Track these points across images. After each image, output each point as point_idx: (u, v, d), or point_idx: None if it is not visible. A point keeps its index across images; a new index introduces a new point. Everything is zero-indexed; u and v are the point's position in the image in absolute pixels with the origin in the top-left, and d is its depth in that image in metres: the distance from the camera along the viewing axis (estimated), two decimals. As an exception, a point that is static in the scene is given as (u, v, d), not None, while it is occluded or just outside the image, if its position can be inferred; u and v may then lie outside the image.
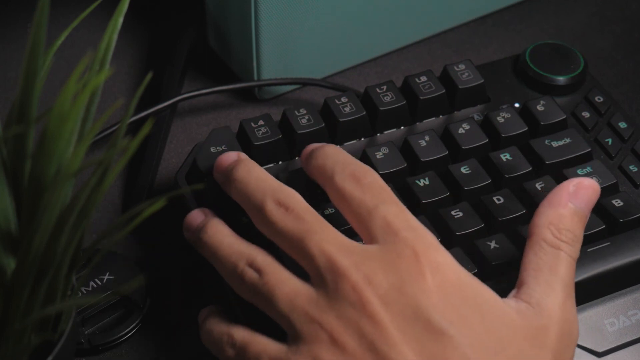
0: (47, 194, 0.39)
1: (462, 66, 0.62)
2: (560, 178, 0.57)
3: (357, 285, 0.45)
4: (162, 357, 0.55)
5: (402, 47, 0.72)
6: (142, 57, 0.72)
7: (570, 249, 0.48)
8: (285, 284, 0.47)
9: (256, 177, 0.51)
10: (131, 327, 0.55)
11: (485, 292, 0.46)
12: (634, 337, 0.53)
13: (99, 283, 0.56)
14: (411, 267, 0.46)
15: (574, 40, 0.73)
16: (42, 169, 0.40)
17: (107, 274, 0.56)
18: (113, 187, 0.63)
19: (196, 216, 0.53)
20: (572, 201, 0.50)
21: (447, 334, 0.44)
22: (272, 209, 0.49)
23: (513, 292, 0.48)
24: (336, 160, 0.50)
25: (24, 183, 0.42)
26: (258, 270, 0.48)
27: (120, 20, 0.44)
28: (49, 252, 0.40)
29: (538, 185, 0.56)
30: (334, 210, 0.54)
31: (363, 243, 0.48)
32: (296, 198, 0.49)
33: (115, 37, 0.44)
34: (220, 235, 0.51)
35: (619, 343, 0.53)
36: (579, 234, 0.49)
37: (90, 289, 0.56)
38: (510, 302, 0.47)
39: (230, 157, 0.54)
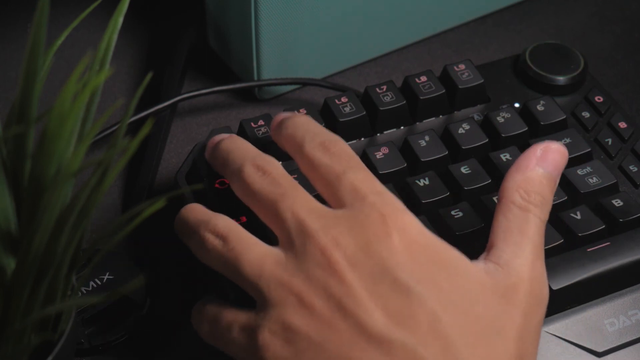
0: (47, 194, 0.39)
1: (462, 66, 0.62)
2: (560, 178, 0.57)
3: (325, 247, 0.46)
4: (162, 357, 0.55)
5: (402, 47, 0.72)
6: (142, 57, 0.72)
7: (539, 212, 0.49)
8: (251, 250, 0.47)
9: (238, 146, 0.52)
10: (131, 327, 0.55)
11: (451, 253, 0.47)
12: (634, 337, 0.53)
13: (99, 283, 0.56)
14: (378, 228, 0.46)
15: (574, 40, 0.73)
16: (42, 169, 0.40)
17: (107, 274, 0.56)
18: (113, 187, 0.63)
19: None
20: (540, 165, 0.50)
21: (413, 291, 0.44)
22: (249, 172, 0.50)
23: (483, 255, 0.48)
24: (306, 130, 0.51)
25: (24, 183, 0.42)
26: (222, 237, 0.48)
27: (120, 20, 0.44)
28: (49, 252, 0.40)
29: (538, 185, 0.56)
30: None
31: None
32: (274, 164, 0.50)
33: (115, 37, 0.44)
34: (189, 210, 0.51)
35: (619, 343, 0.53)
36: (548, 197, 0.50)
37: (90, 289, 0.56)
38: (478, 263, 0.47)
39: (221, 135, 0.55)
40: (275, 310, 0.45)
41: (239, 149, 0.52)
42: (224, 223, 0.49)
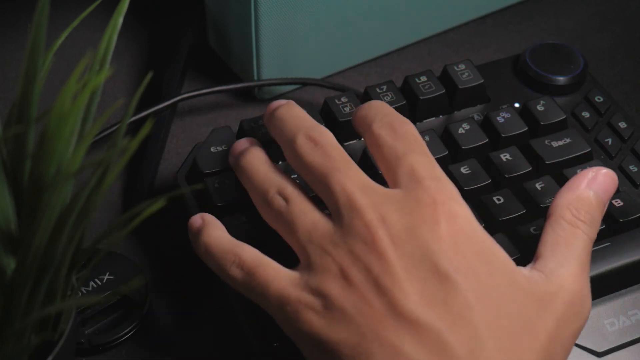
0: (47, 194, 0.39)
1: (462, 66, 0.62)
2: (560, 178, 0.57)
3: (370, 223, 0.47)
4: (162, 357, 0.55)
5: (402, 47, 0.72)
6: (142, 57, 0.72)
7: (588, 229, 0.49)
8: (307, 215, 0.49)
9: (293, 115, 0.53)
10: (131, 327, 0.55)
11: (497, 251, 0.47)
12: (634, 337, 0.53)
13: (99, 283, 0.56)
14: (427, 213, 0.47)
15: (574, 40, 0.73)
16: (42, 169, 0.40)
17: (107, 274, 0.56)
18: (113, 187, 0.63)
19: (242, 143, 0.55)
20: (590, 186, 0.51)
21: (451, 278, 0.45)
22: (302, 143, 0.51)
23: (529, 265, 0.49)
24: (378, 111, 0.52)
25: (24, 183, 0.42)
26: (286, 199, 0.50)
27: (120, 20, 0.44)
28: (49, 252, 0.40)
29: (538, 185, 0.56)
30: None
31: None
32: (327, 136, 0.51)
33: (115, 37, 0.44)
34: (258, 162, 0.53)
35: (619, 343, 0.53)
36: (597, 218, 0.50)
37: (90, 289, 0.56)
38: (523, 269, 0.48)
39: (279, 102, 0.55)
40: (317, 277, 0.47)
41: (294, 117, 0.53)
42: (292, 188, 0.50)
